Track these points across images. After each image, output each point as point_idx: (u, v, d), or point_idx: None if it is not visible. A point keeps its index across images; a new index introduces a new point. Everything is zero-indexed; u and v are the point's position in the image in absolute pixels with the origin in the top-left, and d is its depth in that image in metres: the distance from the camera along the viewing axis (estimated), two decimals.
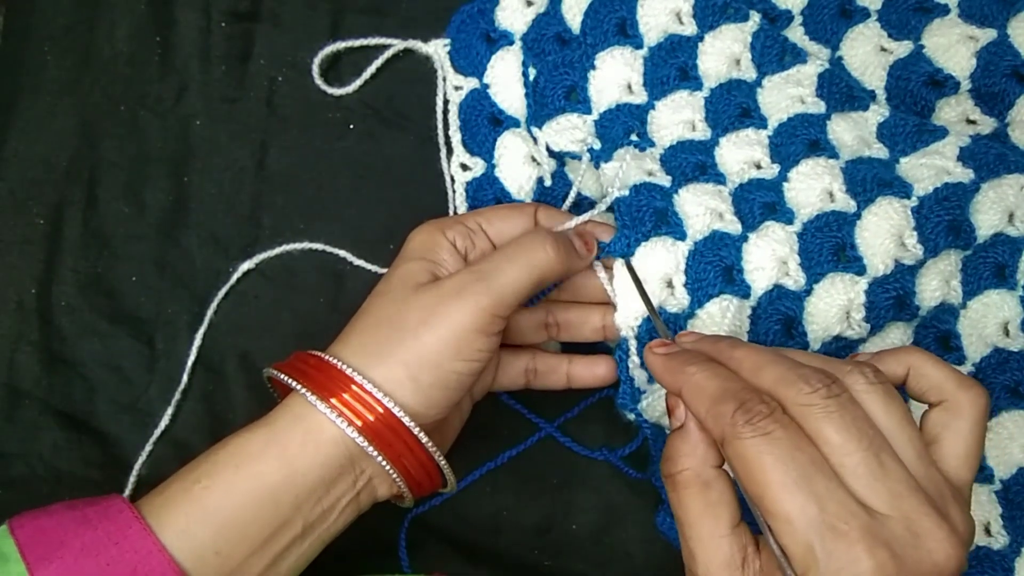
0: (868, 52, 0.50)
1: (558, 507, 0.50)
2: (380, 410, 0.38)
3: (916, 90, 0.49)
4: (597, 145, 0.48)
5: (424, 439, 0.39)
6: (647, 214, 0.45)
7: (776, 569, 0.32)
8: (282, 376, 0.40)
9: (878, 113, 0.48)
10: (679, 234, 0.45)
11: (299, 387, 0.39)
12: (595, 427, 0.50)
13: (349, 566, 0.45)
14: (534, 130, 0.50)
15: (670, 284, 0.45)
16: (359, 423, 0.38)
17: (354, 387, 0.38)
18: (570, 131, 0.49)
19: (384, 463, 0.39)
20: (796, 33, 0.51)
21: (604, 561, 0.50)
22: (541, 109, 0.50)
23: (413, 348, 0.39)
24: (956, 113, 0.49)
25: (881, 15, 0.50)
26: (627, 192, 0.45)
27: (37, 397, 0.50)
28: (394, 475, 0.39)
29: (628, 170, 0.46)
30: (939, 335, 0.47)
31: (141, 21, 0.54)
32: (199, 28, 0.54)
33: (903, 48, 0.49)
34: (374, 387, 0.38)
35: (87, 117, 0.53)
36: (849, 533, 0.29)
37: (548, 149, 0.49)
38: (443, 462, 0.41)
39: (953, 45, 0.48)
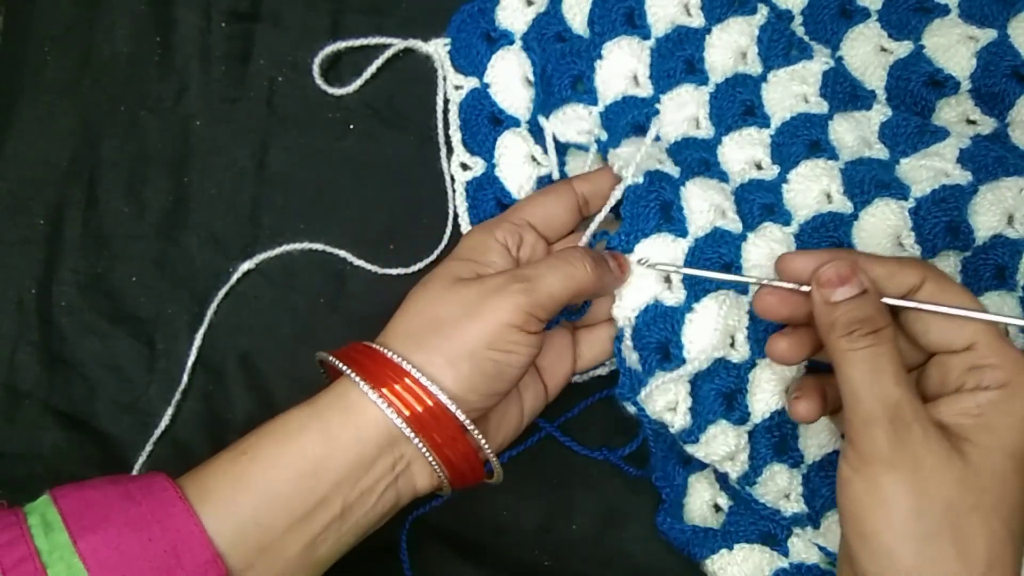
0: (868, 52, 0.50)
1: (558, 507, 0.50)
2: (430, 403, 0.39)
3: (916, 90, 0.49)
4: (604, 137, 0.48)
5: (471, 427, 0.40)
6: (653, 209, 0.45)
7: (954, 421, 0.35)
8: (336, 362, 0.41)
9: (881, 113, 0.48)
10: (680, 231, 0.45)
11: (351, 373, 0.40)
12: (595, 427, 0.50)
13: (350, 566, 0.45)
14: (541, 119, 0.49)
15: (667, 279, 0.45)
16: (407, 413, 0.39)
17: (407, 379, 0.39)
18: (577, 122, 0.49)
19: (424, 450, 0.39)
20: (796, 33, 0.51)
21: (604, 561, 0.50)
22: (548, 98, 0.49)
23: (452, 336, 0.40)
24: (956, 113, 0.48)
25: (881, 15, 0.50)
26: (641, 179, 0.45)
27: (37, 397, 0.50)
28: (434, 463, 0.40)
29: (644, 158, 0.46)
30: None
31: (141, 21, 0.54)
32: (199, 28, 0.54)
33: (903, 48, 0.49)
34: (426, 379, 0.39)
35: (87, 117, 0.53)
36: None
37: (556, 141, 0.49)
38: (491, 453, 0.41)
39: (953, 45, 0.48)
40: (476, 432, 0.40)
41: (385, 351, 0.40)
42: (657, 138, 0.47)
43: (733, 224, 0.45)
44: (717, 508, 0.48)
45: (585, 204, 0.47)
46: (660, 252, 0.45)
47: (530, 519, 0.50)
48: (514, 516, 0.50)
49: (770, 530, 0.47)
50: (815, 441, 0.47)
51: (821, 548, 0.47)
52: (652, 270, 0.45)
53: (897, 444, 0.34)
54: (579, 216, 0.47)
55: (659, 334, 0.44)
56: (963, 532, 0.34)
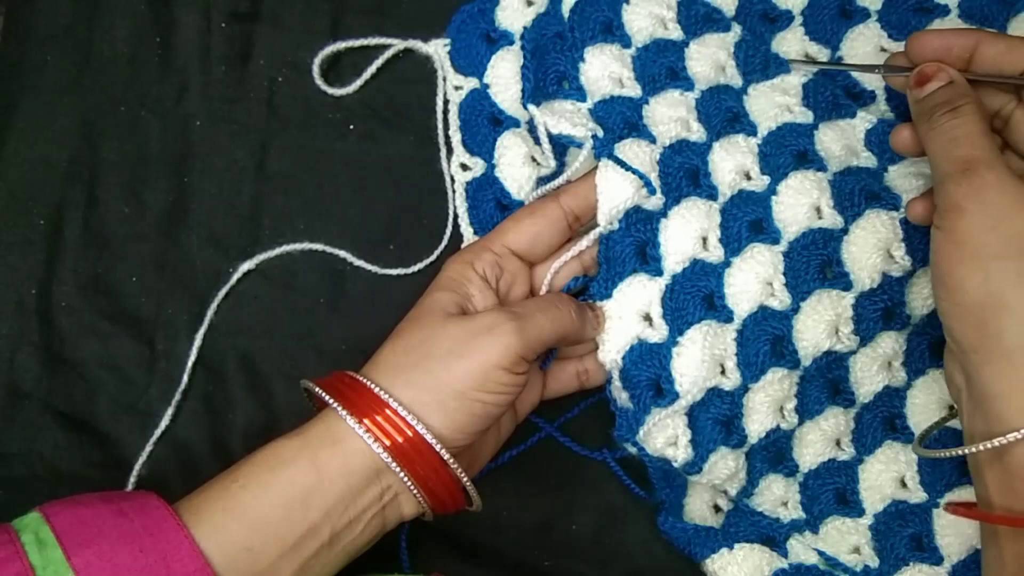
0: (868, 52, 0.50)
1: (558, 507, 0.50)
2: (410, 433, 0.40)
3: None
4: (600, 132, 0.47)
5: (451, 461, 0.40)
6: (628, 253, 0.45)
7: None
8: (321, 392, 0.41)
9: (865, 120, 0.48)
10: (656, 271, 0.45)
11: (336, 405, 0.40)
12: (595, 427, 0.50)
13: (350, 565, 0.45)
14: (531, 108, 0.48)
15: (647, 317, 0.45)
16: (388, 443, 0.39)
17: (387, 411, 0.40)
18: (568, 114, 0.48)
19: (408, 482, 0.40)
20: (796, 33, 0.51)
21: (604, 561, 0.50)
22: (537, 91, 0.49)
23: (442, 375, 0.40)
24: None
25: (881, 15, 0.50)
26: (617, 225, 0.45)
27: (37, 397, 0.50)
28: (417, 494, 0.41)
29: (624, 197, 0.46)
30: (934, 341, 0.47)
31: (141, 21, 0.54)
32: (199, 28, 0.53)
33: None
34: (406, 411, 0.40)
35: (87, 117, 0.53)
36: None
37: (549, 135, 0.48)
38: (469, 484, 0.42)
39: None
40: (457, 467, 0.41)
41: (369, 383, 0.41)
42: (653, 139, 0.47)
43: (715, 254, 0.46)
44: (717, 508, 0.49)
45: (575, 220, 0.47)
46: (637, 293, 0.45)
47: (530, 519, 0.50)
48: (514, 516, 0.50)
49: (769, 532, 0.47)
50: (810, 450, 0.47)
51: (821, 553, 0.47)
52: (628, 312, 0.45)
53: (968, 191, 0.37)
54: (567, 234, 0.47)
55: (648, 371, 0.45)
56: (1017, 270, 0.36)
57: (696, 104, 0.48)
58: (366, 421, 0.40)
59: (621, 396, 0.45)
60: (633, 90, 0.49)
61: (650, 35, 0.49)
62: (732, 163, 0.47)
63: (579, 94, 0.49)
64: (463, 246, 0.51)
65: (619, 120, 0.47)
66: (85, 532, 0.36)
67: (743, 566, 0.47)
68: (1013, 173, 0.37)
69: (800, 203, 0.45)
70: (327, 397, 0.41)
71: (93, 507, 0.38)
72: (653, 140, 0.47)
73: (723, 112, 0.48)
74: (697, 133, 0.48)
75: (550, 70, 0.49)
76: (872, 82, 0.49)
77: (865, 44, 0.50)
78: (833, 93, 0.48)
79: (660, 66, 0.49)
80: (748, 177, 0.47)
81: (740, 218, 0.46)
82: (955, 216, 0.38)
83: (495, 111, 0.51)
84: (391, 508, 0.41)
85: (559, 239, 0.47)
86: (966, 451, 0.37)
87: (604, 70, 0.49)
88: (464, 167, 0.52)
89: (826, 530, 0.47)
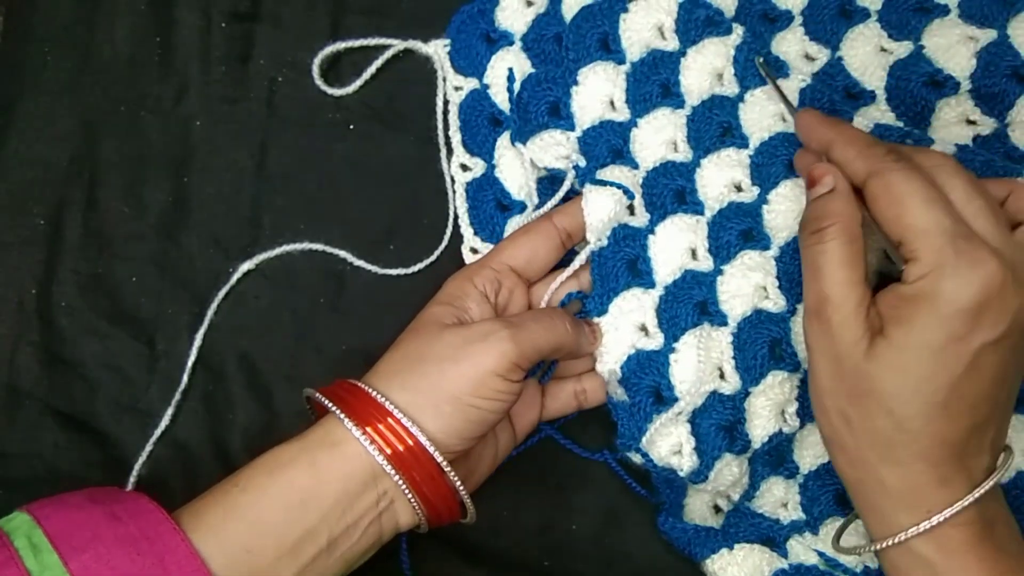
0: (868, 52, 0.50)
1: (558, 507, 0.50)
2: (410, 442, 0.40)
3: (916, 90, 0.48)
4: (582, 163, 0.48)
5: (446, 466, 0.41)
6: (620, 269, 0.46)
7: (882, 312, 0.38)
8: (321, 399, 0.42)
9: (862, 125, 0.47)
10: (649, 283, 0.46)
11: (338, 412, 0.41)
12: (595, 427, 0.50)
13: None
14: (518, 146, 0.50)
15: (643, 327, 0.46)
16: (389, 451, 0.40)
17: (390, 419, 0.40)
18: (554, 147, 0.49)
19: (404, 488, 0.40)
20: (796, 34, 0.51)
21: (604, 561, 0.50)
22: (525, 125, 0.50)
23: (438, 380, 0.41)
24: (956, 114, 0.49)
25: (881, 15, 0.50)
26: (606, 241, 0.46)
27: (37, 397, 0.50)
28: (413, 501, 0.41)
29: (607, 210, 0.46)
30: None
31: (141, 21, 0.54)
32: (199, 28, 0.54)
33: (903, 48, 0.49)
34: (408, 420, 0.40)
35: (87, 117, 0.53)
36: (975, 239, 0.37)
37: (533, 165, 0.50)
38: (465, 495, 0.42)
39: (953, 45, 0.48)
40: (452, 474, 0.41)
41: (369, 390, 0.41)
42: (635, 165, 0.48)
43: (705, 264, 0.46)
44: (717, 509, 0.49)
45: (568, 238, 0.47)
46: (631, 308, 0.46)
47: (530, 519, 0.50)
48: (514, 516, 0.50)
49: (769, 533, 0.47)
50: (810, 452, 0.47)
51: (820, 553, 0.47)
52: (624, 324, 0.46)
53: (815, 333, 0.40)
54: (561, 251, 0.48)
55: (647, 379, 0.45)
56: (847, 415, 0.39)
57: (686, 121, 0.48)
58: (368, 430, 0.40)
59: (615, 390, 0.45)
60: (622, 114, 0.49)
61: (646, 46, 0.49)
62: (722, 178, 0.47)
63: (567, 123, 0.49)
64: (462, 249, 0.51)
65: (604, 148, 0.48)
66: (80, 536, 0.36)
67: (743, 566, 0.47)
68: (864, 305, 0.38)
69: (791, 209, 0.45)
70: (327, 403, 0.41)
71: (85, 510, 0.38)
72: (636, 166, 0.48)
73: (714, 127, 0.48)
74: (683, 153, 0.48)
75: (542, 101, 0.49)
76: (872, 82, 0.49)
77: (865, 44, 0.50)
78: (831, 99, 0.48)
79: (653, 83, 0.49)
80: (739, 189, 0.47)
81: (730, 229, 0.46)
82: (809, 352, 0.40)
83: (495, 111, 0.52)
84: (387, 516, 0.41)
85: (554, 255, 0.48)
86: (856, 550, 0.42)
87: (597, 93, 0.49)
88: (464, 167, 0.52)
89: (826, 531, 0.47)
